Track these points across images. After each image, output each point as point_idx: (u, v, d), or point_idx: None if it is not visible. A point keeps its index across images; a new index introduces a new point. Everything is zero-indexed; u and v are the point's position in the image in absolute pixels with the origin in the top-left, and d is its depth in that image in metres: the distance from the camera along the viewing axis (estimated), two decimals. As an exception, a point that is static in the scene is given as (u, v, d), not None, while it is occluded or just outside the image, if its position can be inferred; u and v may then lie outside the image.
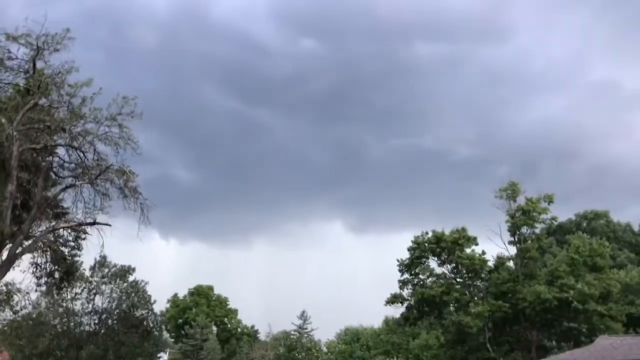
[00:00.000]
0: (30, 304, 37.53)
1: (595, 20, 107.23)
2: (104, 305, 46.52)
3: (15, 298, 26.40)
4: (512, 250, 45.05)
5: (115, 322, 46.50)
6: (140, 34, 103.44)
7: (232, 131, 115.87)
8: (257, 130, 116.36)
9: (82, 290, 45.65)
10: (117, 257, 48.40)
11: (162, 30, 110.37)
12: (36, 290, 31.07)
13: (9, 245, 23.47)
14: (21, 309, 33.67)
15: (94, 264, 46.49)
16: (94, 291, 46.24)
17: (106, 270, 47.02)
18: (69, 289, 42.64)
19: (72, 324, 45.02)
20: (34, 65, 23.37)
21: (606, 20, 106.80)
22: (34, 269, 26.93)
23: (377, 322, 64.83)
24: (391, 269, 47.90)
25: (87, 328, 46.01)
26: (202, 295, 76.99)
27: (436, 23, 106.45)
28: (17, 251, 23.74)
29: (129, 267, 48.13)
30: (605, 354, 27.01)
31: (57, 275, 29.00)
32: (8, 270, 23.58)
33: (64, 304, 45.08)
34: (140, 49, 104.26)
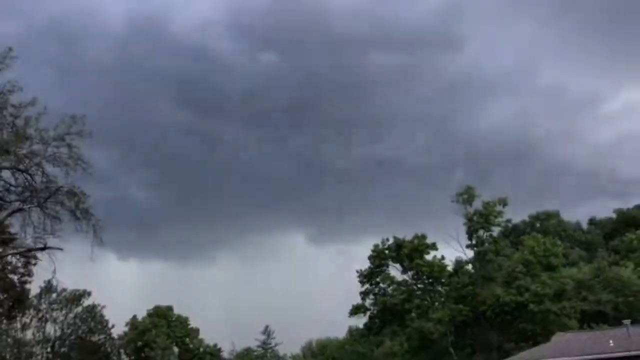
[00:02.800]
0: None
1: (542, 29, 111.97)
2: (57, 333, 44.56)
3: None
4: (470, 254, 46.06)
5: (70, 349, 44.60)
6: (95, 50, 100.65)
7: (191, 147, 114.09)
8: (217, 145, 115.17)
9: (32, 319, 43.59)
10: (72, 282, 46.45)
11: (118, 46, 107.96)
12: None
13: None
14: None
15: (40, 291, 44.41)
16: (44, 319, 44.22)
17: (54, 295, 45.02)
18: (19, 318, 40.71)
19: (23, 354, 42.89)
20: (-26, 86, 22.34)
21: (552, 29, 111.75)
22: (-20, 300, 25.56)
23: (341, 333, 64.87)
24: (354, 279, 48.05)
25: (39, 358, 43.93)
26: (161, 316, 74.89)
27: (390, 35, 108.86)
28: (-39, 282, 22.48)
29: (84, 291, 46.38)
30: (562, 351, 27.84)
31: (6, 304, 27.66)
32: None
33: (14, 334, 42.94)
34: (95, 65, 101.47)
